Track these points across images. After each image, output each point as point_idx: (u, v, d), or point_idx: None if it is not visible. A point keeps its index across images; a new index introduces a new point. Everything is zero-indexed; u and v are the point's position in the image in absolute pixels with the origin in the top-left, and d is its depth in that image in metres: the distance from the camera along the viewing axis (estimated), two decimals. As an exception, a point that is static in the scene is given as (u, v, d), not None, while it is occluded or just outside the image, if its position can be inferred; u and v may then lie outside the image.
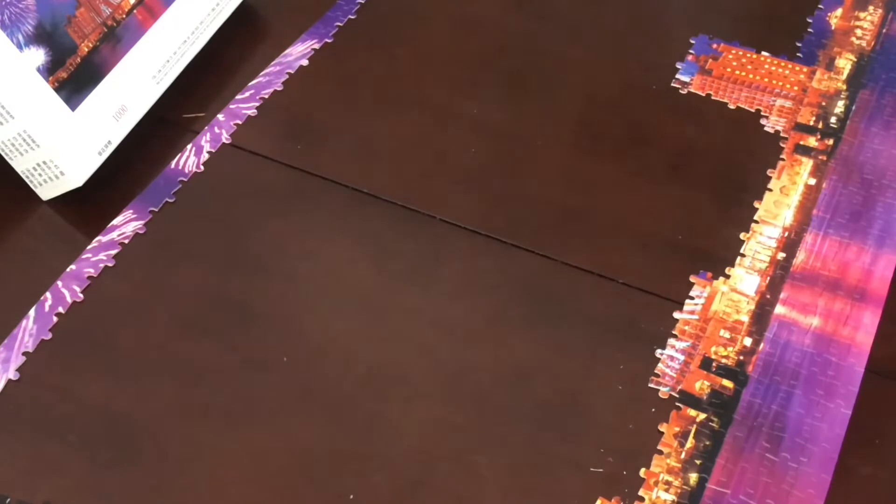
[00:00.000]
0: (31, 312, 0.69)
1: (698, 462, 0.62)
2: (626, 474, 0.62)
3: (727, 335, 0.68)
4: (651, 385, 0.66)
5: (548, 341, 0.68)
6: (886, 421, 0.65)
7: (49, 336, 0.68)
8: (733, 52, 0.87)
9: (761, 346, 0.67)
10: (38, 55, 0.73)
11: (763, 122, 0.81)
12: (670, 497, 0.61)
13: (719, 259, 0.72)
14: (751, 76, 0.85)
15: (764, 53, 0.86)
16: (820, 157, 0.78)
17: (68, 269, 0.72)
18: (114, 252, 0.73)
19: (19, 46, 0.72)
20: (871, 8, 0.90)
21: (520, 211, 0.75)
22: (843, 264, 0.72)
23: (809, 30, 0.88)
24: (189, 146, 0.80)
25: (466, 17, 0.91)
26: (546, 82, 0.85)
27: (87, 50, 0.76)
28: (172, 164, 0.79)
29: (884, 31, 0.89)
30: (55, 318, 0.69)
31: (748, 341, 0.68)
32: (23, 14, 0.73)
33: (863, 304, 0.69)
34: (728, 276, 0.71)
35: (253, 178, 0.78)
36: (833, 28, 0.89)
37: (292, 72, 0.85)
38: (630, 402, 0.65)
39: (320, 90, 0.85)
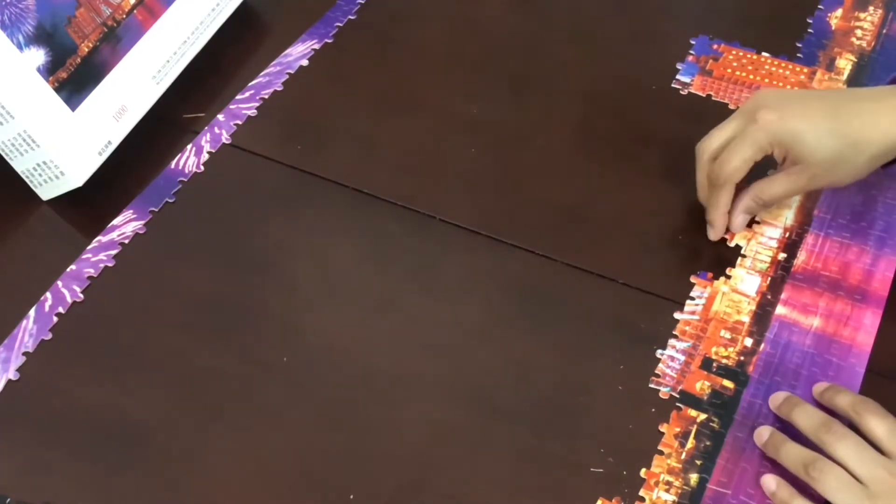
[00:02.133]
0: (31, 312, 0.69)
1: (699, 462, 0.62)
2: (627, 474, 0.62)
3: (728, 335, 0.68)
4: (651, 385, 0.66)
5: (548, 341, 0.68)
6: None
7: (49, 336, 0.68)
8: (734, 52, 0.87)
9: (762, 346, 0.67)
10: (38, 55, 0.73)
11: (764, 122, 0.81)
12: (671, 497, 0.61)
13: (720, 259, 0.72)
14: (751, 77, 0.85)
15: (764, 54, 0.86)
16: (821, 158, 0.78)
17: (68, 269, 0.72)
18: (114, 252, 0.73)
19: (19, 46, 0.72)
20: (871, 8, 0.90)
21: (520, 211, 0.75)
22: (843, 265, 0.72)
23: (809, 30, 0.89)
24: (189, 146, 0.80)
25: (466, 17, 0.91)
26: (546, 82, 0.85)
27: (87, 50, 0.76)
28: (172, 164, 0.79)
29: (884, 31, 0.89)
30: (55, 318, 0.69)
31: (749, 342, 0.68)
32: (23, 14, 0.73)
33: (864, 305, 0.69)
34: (729, 277, 0.71)
35: (253, 178, 0.78)
36: (833, 28, 0.89)
37: (292, 72, 0.86)
38: (630, 402, 0.65)
39: (320, 90, 0.85)
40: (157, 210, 0.76)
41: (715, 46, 0.87)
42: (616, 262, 0.72)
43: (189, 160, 0.79)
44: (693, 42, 0.88)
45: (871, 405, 0.60)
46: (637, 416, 0.64)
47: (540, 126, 0.82)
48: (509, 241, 0.73)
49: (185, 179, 0.78)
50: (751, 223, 0.74)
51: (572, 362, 0.67)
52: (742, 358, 0.67)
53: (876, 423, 0.59)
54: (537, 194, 0.77)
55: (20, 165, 0.75)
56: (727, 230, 0.73)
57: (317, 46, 0.88)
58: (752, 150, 0.68)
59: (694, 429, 0.64)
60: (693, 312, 0.69)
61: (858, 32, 0.88)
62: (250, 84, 0.84)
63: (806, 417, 0.61)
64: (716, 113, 0.82)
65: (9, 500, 0.61)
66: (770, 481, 0.60)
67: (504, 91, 0.85)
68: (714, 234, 0.73)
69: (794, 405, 0.62)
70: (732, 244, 0.73)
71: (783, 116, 0.67)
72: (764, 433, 0.62)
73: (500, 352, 0.68)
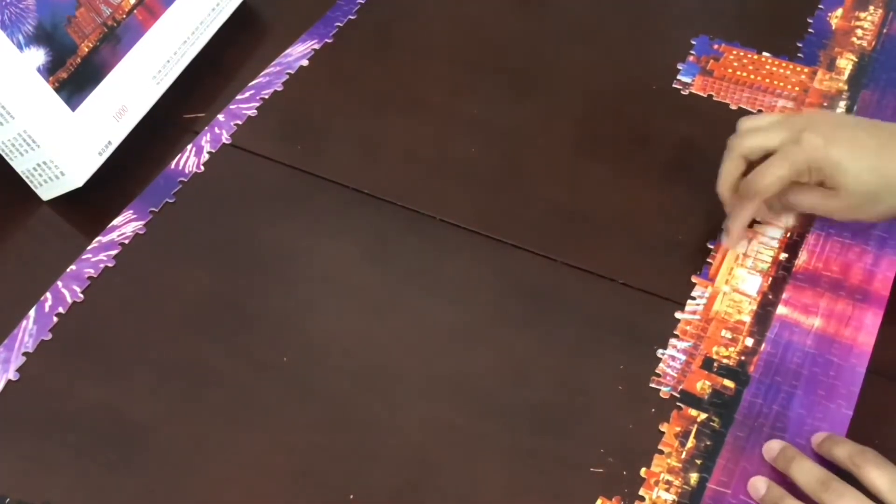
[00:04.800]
0: (31, 312, 0.70)
1: (699, 462, 0.62)
2: (627, 474, 0.62)
3: (729, 335, 0.68)
4: (652, 385, 0.66)
5: (548, 341, 0.68)
6: (887, 422, 0.65)
7: (49, 336, 0.68)
8: (734, 52, 0.87)
9: (763, 346, 0.67)
10: (38, 55, 0.73)
11: (764, 122, 0.81)
12: (671, 497, 0.61)
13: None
14: (752, 77, 0.85)
15: (765, 54, 0.86)
16: (822, 158, 0.78)
17: (68, 269, 0.72)
18: (114, 252, 0.73)
19: (19, 46, 0.72)
20: (871, 8, 0.90)
21: (520, 211, 0.75)
22: (845, 265, 0.72)
23: (810, 30, 0.89)
24: (189, 146, 0.80)
25: (466, 17, 0.91)
26: (546, 82, 0.85)
27: (87, 50, 0.76)
28: (172, 165, 0.79)
29: (884, 31, 0.89)
30: (55, 318, 0.69)
31: (750, 341, 0.68)
32: (23, 14, 0.73)
33: (865, 305, 0.69)
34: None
35: (253, 178, 0.78)
36: (833, 28, 0.89)
37: (292, 72, 0.86)
38: (631, 402, 0.65)
39: (320, 90, 0.85)
40: (157, 210, 0.76)
41: (716, 46, 0.87)
42: (616, 261, 0.72)
43: (189, 160, 0.79)
44: (694, 42, 0.88)
45: (869, 455, 0.58)
46: (637, 415, 0.64)
47: (540, 126, 0.82)
48: (509, 241, 0.73)
49: (185, 179, 0.78)
50: (752, 223, 0.74)
51: (572, 362, 0.67)
52: (743, 358, 0.67)
53: (876, 475, 0.57)
54: (537, 194, 0.77)
55: (20, 165, 0.75)
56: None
57: (317, 46, 0.88)
58: (788, 172, 0.66)
59: (694, 428, 0.63)
60: (694, 312, 0.69)
61: (859, 32, 0.88)
62: (251, 84, 0.85)
63: (803, 473, 0.59)
64: (717, 113, 0.82)
65: (8, 500, 0.61)
66: (759, 483, 0.60)
67: (504, 91, 0.85)
68: (729, 243, 0.72)
69: (790, 459, 0.60)
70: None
71: (828, 144, 0.66)
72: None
73: (500, 352, 0.68)
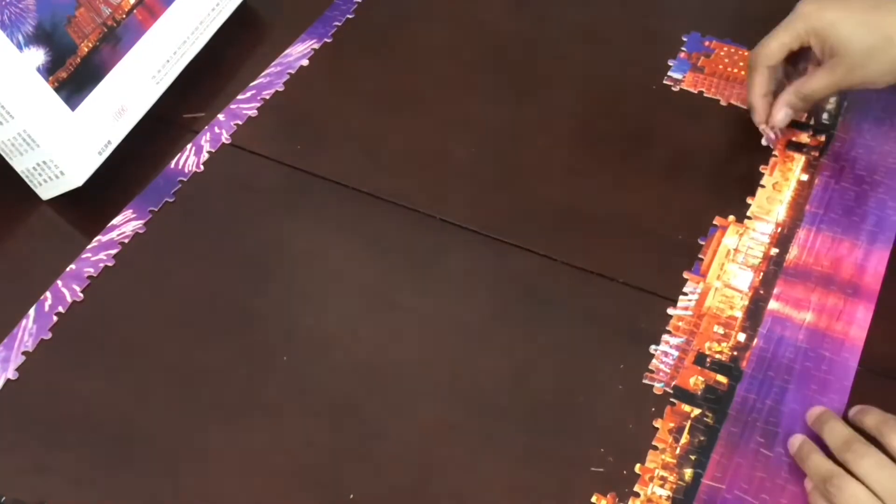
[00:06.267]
0: (31, 312, 0.70)
1: (693, 457, 0.63)
2: (627, 473, 0.62)
3: (721, 331, 0.69)
4: (645, 381, 0.66)
5: (548, 341, 0.69)
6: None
7: (49, 336, 0.69)
8: (725, 49, 0.87)
9: (755, 341, 0.68)
10: (38, 55, 0.73)
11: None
12: (665, 492, 0.61)
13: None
14: (742, 73, 0.85)
15: (756, 50, 0.87)
16: (812, 154, 0.79)
17: (68, 269, 0.72)
18: (114, 252, 0.73)
19: (19, 46, 0.72)
20: (862, 5, 0.91)
21: (519, 210, 0.76)
22: (835, 260, 0.72)
23: (801, 27, 0.89)
24: (189, 146, 0.80)
25: (466, 17, 0.91)
26: (546, 82, 0.85)
27: (87, 50, 0.76)
28: (172, 164, 0.79)
29: (874, 27, 0.89)
30: (55, 318, 0.70)
31: (742, 337, 0.68)
32: (23, 14, 0.73)
33: (856, 299, 0.70)
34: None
35: (253, 178, 0.79)
36: (824, 25, 0.89)
37: (293, 72, 0.86)
38: (630, 402, 0.65)
39: (320, 90, 0.85)
40: (156, 210, 0.76)
41: (706, 43, 0.88)
42: (615, 261, 0.72)
43: (189, 160, 0.79)
44: (685, 39, 0.88)
45: (892, 423, 0.60)
46: (637, 415, 0.65)
47: (540, 125, 0.82)
48: (509, 240, 0.74)
49: (185, 179, 0.78)
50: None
51: (572, 362, 0.68)
52: (735, 353, 0.68)
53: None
54: (537, 194, 0.77)
55: (20, 165, 0.75)
56: (774, 133, 0.78)
57: (316, 46, 0.88)
58: (788, 37, 0.73)
59: (688, 424, 0.64)
60: (686, 308, 0.70)
61: (849, 29, 0.89)
62: (252, 84, 0.85)
63: (832, 434, 0.61)
64: (708, 109, 0.82)
65: (3, 498, 0.61)
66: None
67: (504, 91, 0.85)
68: (756, 118, 0.78)
69: (824, 422, 0.62)
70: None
71: (821, 8, 0.72)
72: (795, 442, 0.62)
73: (499, 351, 0.68)
